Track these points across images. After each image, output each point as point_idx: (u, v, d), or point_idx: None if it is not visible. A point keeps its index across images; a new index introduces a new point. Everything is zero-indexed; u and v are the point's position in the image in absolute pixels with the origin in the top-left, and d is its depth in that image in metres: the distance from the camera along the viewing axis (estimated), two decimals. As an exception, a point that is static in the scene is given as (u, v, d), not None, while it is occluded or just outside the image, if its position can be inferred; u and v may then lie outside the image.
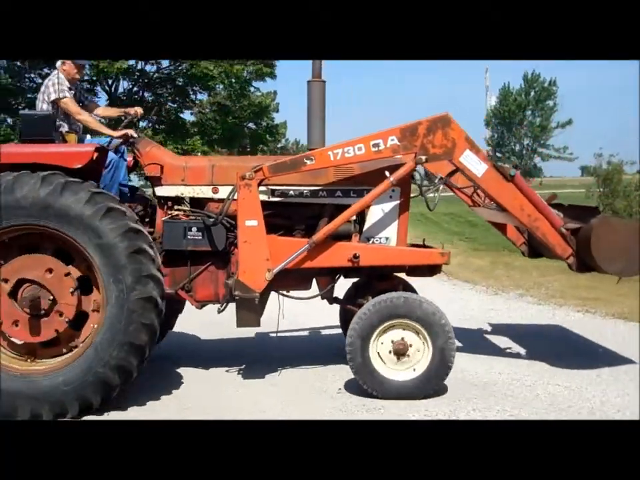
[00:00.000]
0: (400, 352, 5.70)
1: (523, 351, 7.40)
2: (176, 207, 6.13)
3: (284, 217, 6.19)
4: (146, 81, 25.46)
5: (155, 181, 6.13)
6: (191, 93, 27.24)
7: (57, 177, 5.38)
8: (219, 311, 6.17)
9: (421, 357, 5.72)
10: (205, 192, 6.12)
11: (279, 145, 58.56)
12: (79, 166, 5.47)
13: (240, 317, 5.82)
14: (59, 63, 6.45)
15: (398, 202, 6.11)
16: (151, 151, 6.16)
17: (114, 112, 6.80)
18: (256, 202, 5.73)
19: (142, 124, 25.09)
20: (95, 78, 24.07)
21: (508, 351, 7.42)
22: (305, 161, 5.75)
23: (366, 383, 5.72)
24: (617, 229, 5.89)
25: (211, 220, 5.97)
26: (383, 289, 6.02)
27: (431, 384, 5.72)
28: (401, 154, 5.84)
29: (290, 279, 6.15)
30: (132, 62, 24.01)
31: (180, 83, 26.17)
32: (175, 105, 27.45)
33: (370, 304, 5.77)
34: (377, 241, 6.12)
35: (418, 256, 6.11)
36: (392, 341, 5.72)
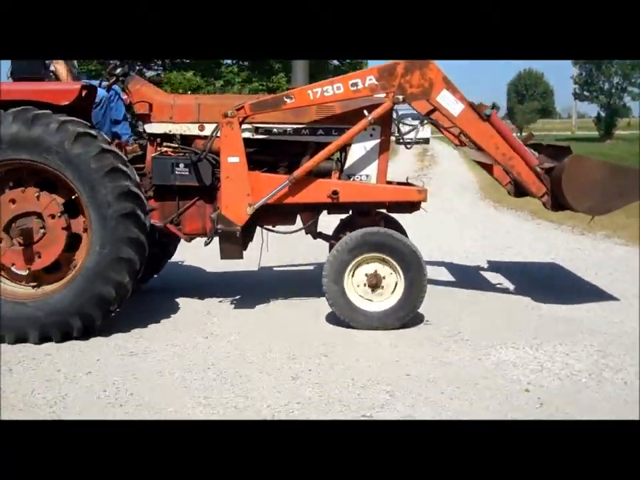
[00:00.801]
0: (374, 284, 6.01)
1: (609, 289, 7.39)
2: (165, 144, 6.43)
3: (268, 154, 6.48)
4: None
5: (145, 119, 6.42)
6: None
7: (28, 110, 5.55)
8: (206, 244, 6.57)
9: (393, 289, 6.03)
10: (191, 129, 6.41)
11: None
12: (66, 103, 5.71)
13: (223, 249, 6.22)
14: None
15: (378, 141, 6.31)
16: (140, 89, 6.41)
17: None
18: (238, 139, 5.98)
19: (227, 61, 24.85)
20: None
21: (594, 288, 7.42)
22: (285, 99, 5.99)
23: (342, 314, 6.04)
24: (588, 168, 5.95)
25: (196, 156, 6.26)
26: (364, 225, 6.24)
27: (404, 314, 6.03)
28: (378, 93, 6.02)
29: (273, 215, 6.48)
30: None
31: None
32: None
33: (344, 239, 6.07)
34: (357, 178, 6.33)
35: (395, 193, 6.34)
36: (366, 274, 6.02)
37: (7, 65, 6.29)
